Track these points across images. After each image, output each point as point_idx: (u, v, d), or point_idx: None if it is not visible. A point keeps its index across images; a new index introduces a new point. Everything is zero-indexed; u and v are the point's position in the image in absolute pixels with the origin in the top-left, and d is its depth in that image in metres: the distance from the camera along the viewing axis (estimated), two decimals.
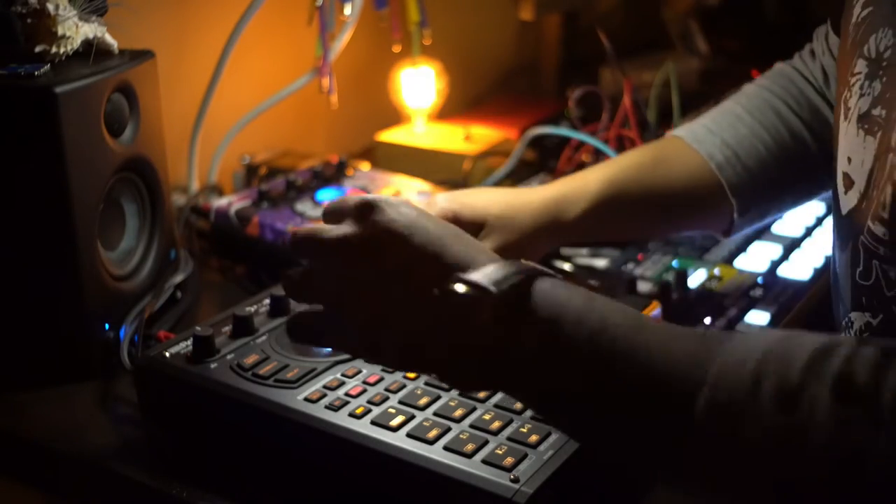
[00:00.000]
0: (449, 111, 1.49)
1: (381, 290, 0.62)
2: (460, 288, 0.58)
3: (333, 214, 0.68)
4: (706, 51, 1.85)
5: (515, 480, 0.65)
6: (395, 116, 1.44)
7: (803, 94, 0.96)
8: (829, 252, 0.81)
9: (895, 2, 0.71)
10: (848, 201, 0.73)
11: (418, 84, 1.40)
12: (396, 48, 1.36)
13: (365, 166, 1.27)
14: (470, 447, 0.68)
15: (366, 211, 0.64)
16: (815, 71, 0.97)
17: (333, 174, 1.19)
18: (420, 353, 0.62)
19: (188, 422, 0.79)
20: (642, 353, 0.56)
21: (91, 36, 0.88)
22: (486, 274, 0.59)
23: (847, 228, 0.73)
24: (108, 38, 0.90)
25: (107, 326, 0.88)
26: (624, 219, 0.95)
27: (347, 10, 1.22)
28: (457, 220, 0.89)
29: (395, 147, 1.37)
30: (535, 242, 0.91)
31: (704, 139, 0.95)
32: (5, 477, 0.84)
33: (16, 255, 0.84)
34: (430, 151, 1.34)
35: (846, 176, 0.73)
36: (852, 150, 0.73)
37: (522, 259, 0.64)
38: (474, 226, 0.89)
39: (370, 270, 0.63)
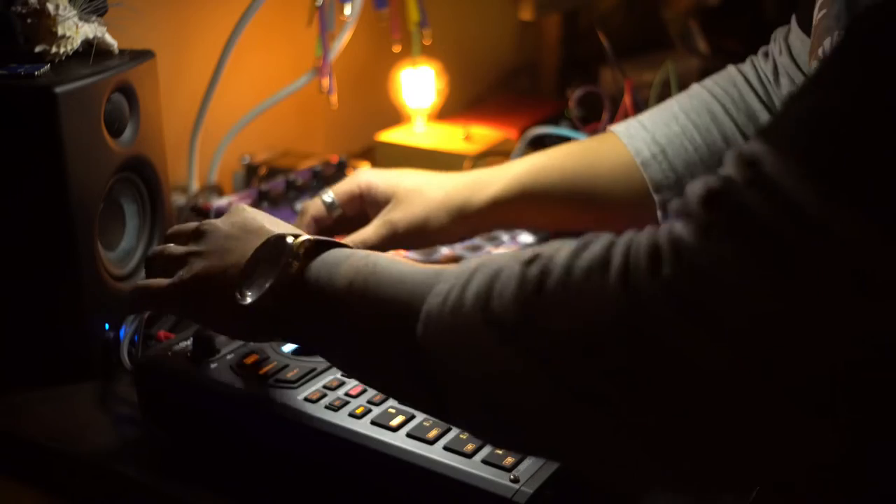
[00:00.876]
0: (449, 111, 1.48)
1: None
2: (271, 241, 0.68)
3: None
4: (706, 51, 1.85)
5: (515, 480, 0.65)
6: (395, 116, 1.44)
7: (742, 98, 0.96)
8: None
9: (848, 5, 0.71)
10: None
11: (418, 84, 1.40)
12: (396, 48, 1.36)
13: (365, 166, 1.27)
14: (470, 447, 0.68)
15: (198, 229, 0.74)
16: (766, 71, 0.96)
17: (333, 174, 1.19)
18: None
19: (188, 422, 0.79)
20: (375, 288, 0.61)
21: (91, 36, 0.88)
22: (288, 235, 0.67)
23: None
24: (108, 38, 0.90)
25: (107, 326, 0.88)
26: (537, 207, 0.95)
27: (347, 10, 1.22)
28: (369, 190, 0.94)
29: (395, 147, 1.37)
30: (442, 222, 0.93)
31: (635, 135, 0.95)
32: (5, 477, 0.84)
33: (16, 255, 0.84)
34: (430, 151, 1.34)
35: None
36: None
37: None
38: (385, 197, 0.94)
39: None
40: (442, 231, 0.93)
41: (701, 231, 0.46)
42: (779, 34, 0.97)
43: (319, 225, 0.94)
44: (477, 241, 1.07)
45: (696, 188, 0.48)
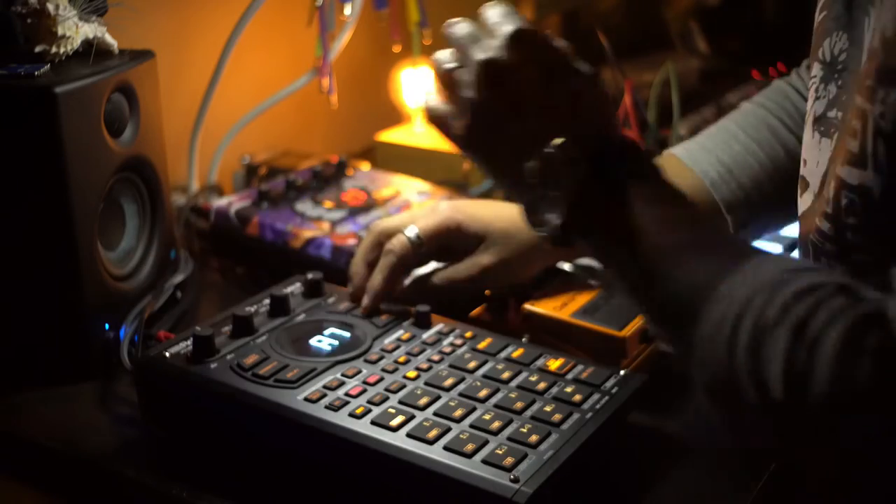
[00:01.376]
0: None
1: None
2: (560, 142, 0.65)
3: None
4: (706, 51, 1.85)
5: (515, 480, 0.65)
6: (395, 116, 1.44)
7: (798, 110, 0.96)
8: None
9: (848, 7, 0.71)
10: (803, 204, 0.74)
11: (418, 84, 1.40)
12: (396, 48, 1.36)
13: (365, 166, 1.27)
14: (470, 447, 0.68)
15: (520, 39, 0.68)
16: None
17: (333, 174, 1.19)
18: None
19: (188, 422, 0.79)
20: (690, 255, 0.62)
21: (91, 36, 0.88)
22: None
23: (801, 229, 0.74)
24: (108, 38, 0.90)
25: (107, 326, 0.88)
26: None
27: (347, 10, 1.22)
28: (459, 230, 0.91)
29: (395, 147, 1.37)
30: (532, 259, 0.92)
31: (699, 157, 0.95)
32: (5, 477, 0.84)
33: (16, 255, 0.84)
34: (430, 151, 1.34)
35: (802, 178, 0.74)
36: (809, 152, 0.73)
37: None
38: (476, 237, 0.91)
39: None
40: (531, 268, 0.93)
41: None
42: None
43: (405, 262, 0.90)
44: None
45: None
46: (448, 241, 0.92)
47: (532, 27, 0.68)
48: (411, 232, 0.90)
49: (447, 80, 0.71)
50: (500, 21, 0.69)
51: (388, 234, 0.91)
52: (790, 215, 0.97)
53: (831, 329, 0.53)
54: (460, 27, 0.70)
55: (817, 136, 0.72)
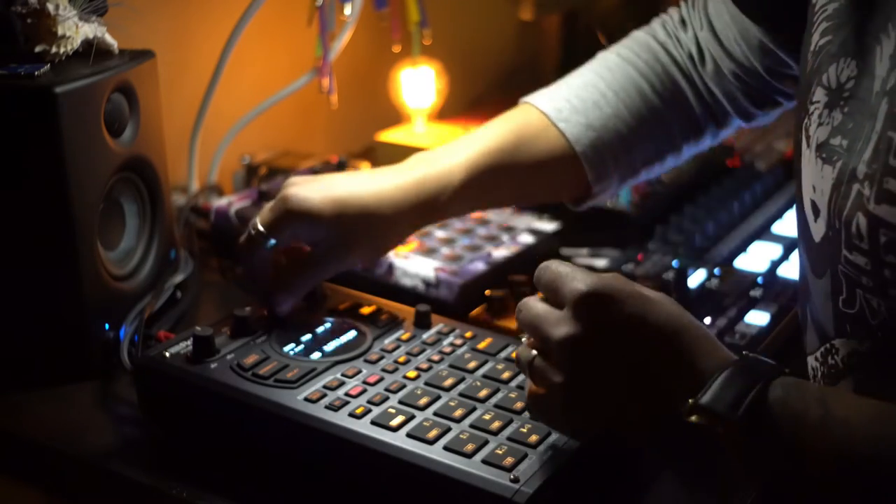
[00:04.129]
0: (449, 111, 1.48)
1: (619, 379, 0.64)
2: (695, 418, 0.60)
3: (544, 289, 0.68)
4: None
5: (515, 480, 0.65)
6: (395, 116, 1.44)
7: (668, 74, 0.96)
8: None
9: (857, 34, 0.70)
10: (818, 230, 0.72)
11: (418, 84, 1.40)
12: (396, 48, 1.36)
13: (365, 166, 1.27)
14: (470, 447, 0.68)
15: (589, 305, 0.64)
16: (688, 44, 0.96)
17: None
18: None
19: (188, 422, 0.79)
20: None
21: (91, 36, 0.88)
22: (719, 397, 0.60)
23: (823, 257, 0.72)
24: (108, 38, 0.89)
25: (107, 326, 0.88)
26: (484, 200, 0.95)
27: (347, 10, 1.22)
28: (310, 221, 0.84)
29: (395, 147, 1.37)
30: (405, 236, 0.90)
31: (570, 119, 0.94)
32: (5, 477, 0.84)
33: (16, 255, 0.84)
34: None
35: (813, 204, 0.73)
36: (814, 178, 0.72)
37: (723, 347, 0.65)
38: (328, 232, 0.85)
39: (605, 362, 0.64)
40: (403, 238, 0.91)
41: None
42: (698, 2, 0.97)
43: (262, 261, 0.85)
44: (476, 240, 1.07)
45: None
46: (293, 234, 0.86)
47: (602, 284, 0.64)
48: (253, 227, 0.85)
49: (531, 370, 0.67)
50: (565, 282, 0.66)
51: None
52: (642, 168, 0.97)
53: None
54: (528, 308, 0.67)
55: (819, 163, 0.71)
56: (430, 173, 0.90)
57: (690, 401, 0.60)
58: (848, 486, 0.59)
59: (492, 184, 0.92)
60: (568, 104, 0.95)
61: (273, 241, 0.85)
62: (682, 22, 0.98)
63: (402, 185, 0.88)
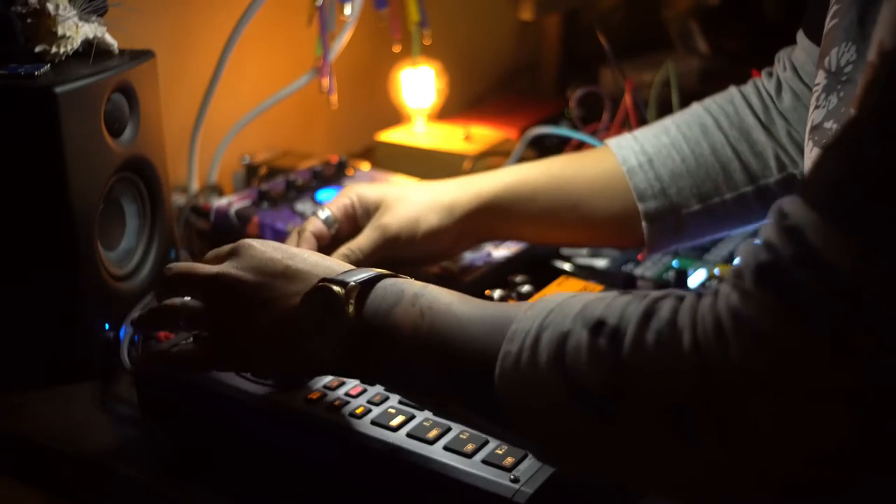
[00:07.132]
0: (449, 111, 1.48)
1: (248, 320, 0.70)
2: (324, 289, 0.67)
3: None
4: (706, 51, 1.85)
5: (515, 480, 0.65)
6: (395, 116, 1.44)
7: (737, 113, 0.95)
8: None
9: (860, 17, 0.70)
10: None
11: (418, 84, 1.40)
12: (396, 48, 1.36)
13: (365, 166, 1.27)
14: (470, 447, 0.68)
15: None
16: (769, 88, 0.95)
17: (333, 174, 1.19)
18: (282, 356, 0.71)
19: (188, 422, 0.79)
20: (448, 331, 0.63)
21: (91, 36, 0.88)
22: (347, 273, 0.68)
23: None
24: (108, 38, 0.89)
25: (107, 326, 0.88)
26: (523, 211, 0.95)
27: (347, 10, 1.22)
28: (360, 200, 0.93)
29: (395, 147, 1.37)
30: (431, 223, 0.92)
31: (625, 145, 0.95)
32: (5, 477, 0.84)
33: (16, 255, 0.84)
34: (430, 151, 1.34)
35: None
36: (808, 162, 0.72)
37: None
38: (375, 204, 0.93)
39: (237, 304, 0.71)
40: (432, 234, 0.92)
41: (759, 312, 0.50)
42: (783, 54, 0.96)
43: (320, 242, 0.92)
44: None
45: (748, 261, 0.51)
46: (356, 220, 0.94)
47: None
48: (321, 212, 0.93)
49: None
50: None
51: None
52: (718, 220, 0.95)
53: (635, 313, 0.55)
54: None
55: (811, 146, 0.72)
56: (471, 176, 0.97)
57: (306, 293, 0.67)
58: (430, 356, 0.63)
59: (533, 182, 0.95)
60: (630, 135, 0.97)
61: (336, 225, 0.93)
62: (769, 73, 0.97)
63: (445, 182, 0.97)
